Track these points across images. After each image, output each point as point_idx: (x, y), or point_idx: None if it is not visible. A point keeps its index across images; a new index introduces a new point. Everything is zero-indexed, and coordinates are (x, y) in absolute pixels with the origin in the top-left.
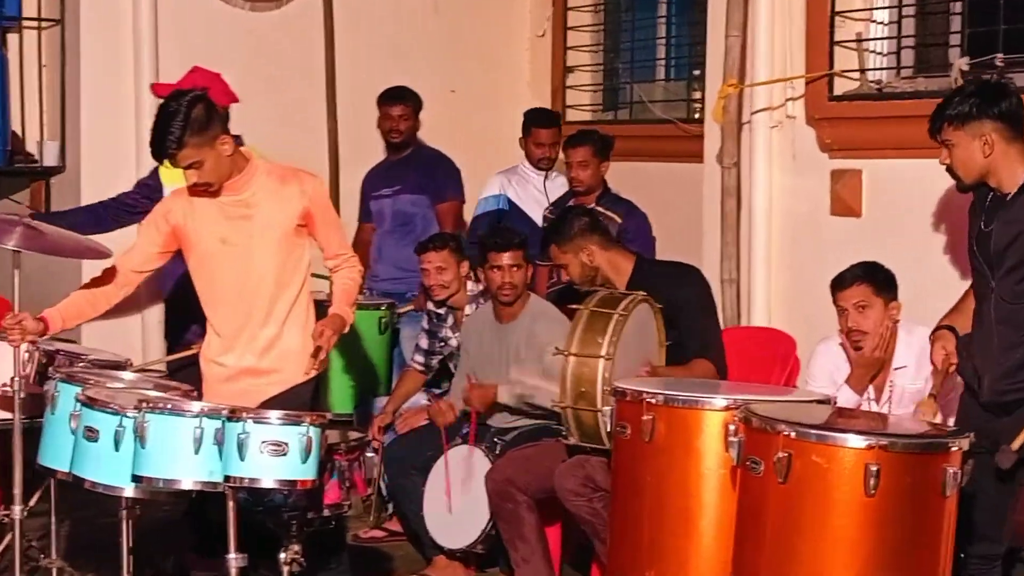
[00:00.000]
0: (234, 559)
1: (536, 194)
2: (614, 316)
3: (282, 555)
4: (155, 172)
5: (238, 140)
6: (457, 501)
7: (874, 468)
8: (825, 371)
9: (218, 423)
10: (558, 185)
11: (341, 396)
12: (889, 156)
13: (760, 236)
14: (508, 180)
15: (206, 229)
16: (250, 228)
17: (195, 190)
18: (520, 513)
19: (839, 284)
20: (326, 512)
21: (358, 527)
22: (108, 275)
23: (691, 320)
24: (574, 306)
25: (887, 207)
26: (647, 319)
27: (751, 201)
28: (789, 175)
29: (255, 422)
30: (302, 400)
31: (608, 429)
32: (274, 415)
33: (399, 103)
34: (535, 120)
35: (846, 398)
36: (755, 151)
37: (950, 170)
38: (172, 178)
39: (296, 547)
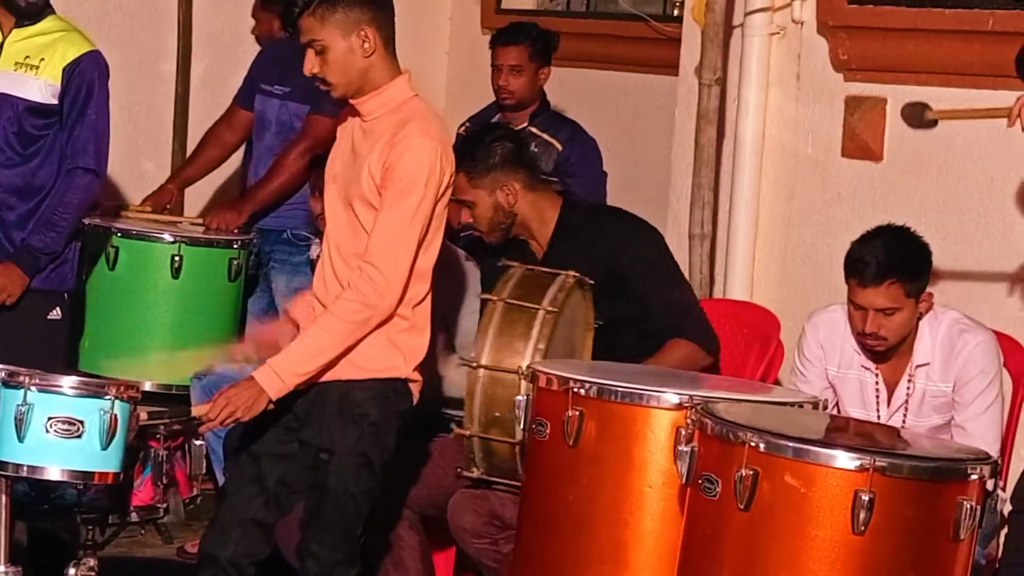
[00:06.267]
0: (4, 574)
1: None
2: (539, 313)
3: (71, 571)
4: None
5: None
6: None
7: (866, 497)
8: (821, 360)
9: None
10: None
11: (168, 362)
12: (924, 82)
13: (746, 179)
14: None
15: (335, 152)
16: (346, 173)
17: None
18: (398, 532)
19: (858, 275)
20: (134, 516)
21: (185, 537)
22: None
23: (649, 288)
24: (508, 262)
25: (917, 150)
26: (577, 303)
27: (737, 131)
28: (790, 100)
29: (40, 390)
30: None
31: None
32: (67, 382)
33: None
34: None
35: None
36: (746, 65)
37: None
38: None
39: (92, 561)
